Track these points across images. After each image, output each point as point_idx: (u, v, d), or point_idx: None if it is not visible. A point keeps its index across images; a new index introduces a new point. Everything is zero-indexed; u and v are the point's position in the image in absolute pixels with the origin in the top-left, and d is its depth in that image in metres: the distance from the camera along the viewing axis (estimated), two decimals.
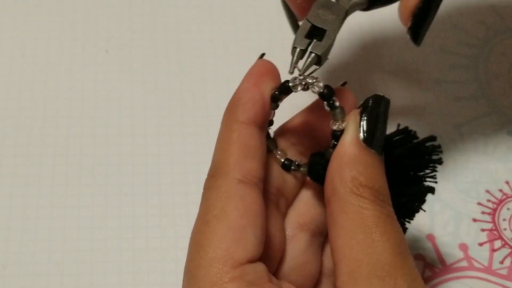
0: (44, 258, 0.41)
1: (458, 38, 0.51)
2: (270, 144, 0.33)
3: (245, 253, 0.28)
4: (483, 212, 0.44)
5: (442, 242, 0.43)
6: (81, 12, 0.52)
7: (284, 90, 0.31)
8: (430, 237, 0.43)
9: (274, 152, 0.33)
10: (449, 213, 0.44)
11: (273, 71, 0.32)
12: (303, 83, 0.31)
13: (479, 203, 0.44)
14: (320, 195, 0.32)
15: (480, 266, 0.42)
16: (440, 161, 0.32)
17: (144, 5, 0.52)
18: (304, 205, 0.33)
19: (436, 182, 0.33)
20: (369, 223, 0.28)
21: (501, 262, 0.42)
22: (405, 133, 0.32)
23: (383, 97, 0.30)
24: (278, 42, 0.50)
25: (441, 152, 0.32)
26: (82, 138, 0.46)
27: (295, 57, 0.32)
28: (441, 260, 0.42)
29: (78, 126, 0.46)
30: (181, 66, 0.50)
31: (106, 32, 0.51)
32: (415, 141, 0.32)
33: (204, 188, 0.31)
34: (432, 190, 0.34)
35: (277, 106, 0.32)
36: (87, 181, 0.44)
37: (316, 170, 0.31)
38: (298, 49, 0.32)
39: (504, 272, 0.41)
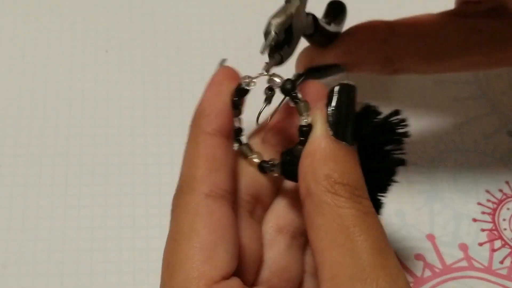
0: (44, 258, 0.41)
1: None
2: (244, 150, 0.32)
3: (218, 271, 0.28)
4: (483, 212, 0.44)
5: (442, 242, 0.43)
6: (81, 12, 0.52)
7: (240, 93, 0.31)
8: (430, 237, 0.43)
9: (249, 157, 0.32)
10: (449, 213, 0.44)
11: (234, 76, 0.31)
12: (254, 80, 0.30)
13: (479, 203, 0.44)
14: (298, 196, 0.30)
15: (480, 266, 0.42)
16: (406, 135, 0.31)
17: (144, 5, 0.53)
18: (282, 207, 0.33)
19: (404, 154, 0.32)
20: (347, 223, 0.27)
21: (501, 262, 0.42)
22: (368, 111, 0.30)
23: (348, 84, 0.29)
24: None
25: (406, 125, 0.31)
26: (82, 138, 0.46)
27: (268, 41, 0.31)
28: (441, 260, 0.42)
29: (78, 126, 0.46)
30: (181, 66, 0.50)
31: (106, 32, 0.51)
32: (379, 117, 0.31)
33: (172, 205, 0.30)
34: (402, 162, 0.32)
35: (240, 112, 0.31)
36: (87, 181, 0.44)
37: (288, 169, 0.30)
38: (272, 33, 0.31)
39: (504, 272, 0.41)
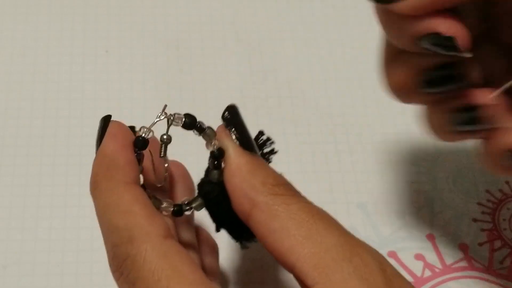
0: (44, 258, 0.41)
1: None
2: (153, 201, 0.31)
3: None
4: (483, 212, 0.44)
5: (442, 242, 0.43)
6: (81, 12, 0.52)
7: (141, 144, 0.30)
8: (430, 237, 0.43)
9: (161, 206, 0.31)
10: (449, 213, 0.44)
11: (129, 132, 0.31)
12: (152, 129, 0.30)
13: (479, 203, 0.44)
14: None
15: (480, 266, 0.42)
16: (273, 152, 0.33)
17: (144, 5, 0.53)
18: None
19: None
20: (304, 215, 0.28)
21: (501, 262, 0.42)
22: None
23: (234, 105, 0.31)
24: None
25: (272, 143, 0.32)
26: (82, 138, 0.46)
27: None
28: (441, 260, 0.42)
29: (78, 126, 0.46)
30: (180, 65, 0.50)
31: (106, 32, 0.51)
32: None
33: (122, 261, 0.28)
34: None
35: (141, 162, 0.31)
36: (87, 181, 0.44)
37: (212, 197, 0.31)
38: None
39: (504, 272, 0.42)
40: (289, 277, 0.40)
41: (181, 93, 0.49)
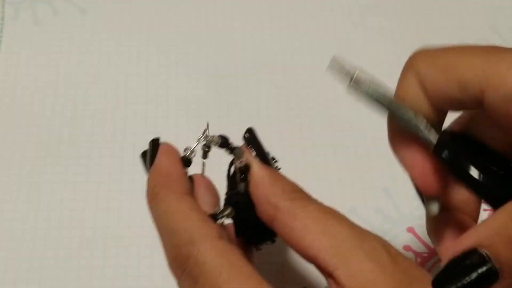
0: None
1: None
2: None
3: None
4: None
5: (422, 232, 0.47)
6: (155, 32, 0.58)
7: (186, 163, 0.35)
8: (411, 230, 0.48)
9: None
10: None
11: (178, 151, 0.35)
12: (193, 151, 0.35)
13: None
14: None
15: None
16: (278, 168, 0.36)
17: (207, 23, 0.59)
18: None
19: None
20: (319, 214, 0.31)
21: None
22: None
23: (251, 129, 0.35)
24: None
25: (276, 161, 0.36)
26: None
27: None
28: (426, 246, 0.47)
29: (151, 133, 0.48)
30: (237, 76, 0.55)
31: (176, 47, 0.57)
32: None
33: (185, 260, 0.30)
34: None
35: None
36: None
37: (242, 206, 0.34)
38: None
39: None
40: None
41: (243, 100, 0.54)
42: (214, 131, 0.36)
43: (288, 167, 0.36)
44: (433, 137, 0.32)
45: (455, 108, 0.33)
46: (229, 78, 0.56)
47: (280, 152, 0.37)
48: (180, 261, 0.30)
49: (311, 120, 0.54)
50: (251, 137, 0.35)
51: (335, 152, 0.52)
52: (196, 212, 0.32)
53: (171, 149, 0.35)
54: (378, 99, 0.32)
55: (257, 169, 0.33)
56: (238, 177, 0.34)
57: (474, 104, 0.31)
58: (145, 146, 0.35)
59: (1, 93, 0.54)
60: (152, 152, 0.35)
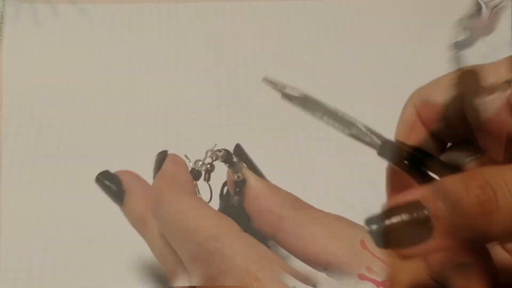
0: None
1: None
2: None
3: None
4: None
5: None
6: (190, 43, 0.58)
7: (196, 175, 0.35)
8: None
9: None
10: None
11: (185, 162, 0.35)
12: (204, 163, 0.35)
13: None
14: None
15: None
16: None
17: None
18: None
19: None
20: (324, 220, 0.32)
21: None
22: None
23: (238, 144, 0.36)
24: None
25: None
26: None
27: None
28: None
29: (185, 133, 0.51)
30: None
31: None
32: None
33: (210, 255, 0.30)
34: None
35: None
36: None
37: (236, 219, 0.33)
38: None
39: None
40: None
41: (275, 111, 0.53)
42: (219, 144, 0.36)
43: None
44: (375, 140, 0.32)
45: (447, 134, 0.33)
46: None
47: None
48: (205, 257, 0.30)
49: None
50: (240, 153, 0.36)
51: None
52: (210, 209, 0.32)
53: (178, 158, 0.35)
54: (310, 111, 0.33)
55: (254, 181, 0.34)
56: (233, 191, 0.34)
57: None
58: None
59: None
60: (159, 165, 0.35)
